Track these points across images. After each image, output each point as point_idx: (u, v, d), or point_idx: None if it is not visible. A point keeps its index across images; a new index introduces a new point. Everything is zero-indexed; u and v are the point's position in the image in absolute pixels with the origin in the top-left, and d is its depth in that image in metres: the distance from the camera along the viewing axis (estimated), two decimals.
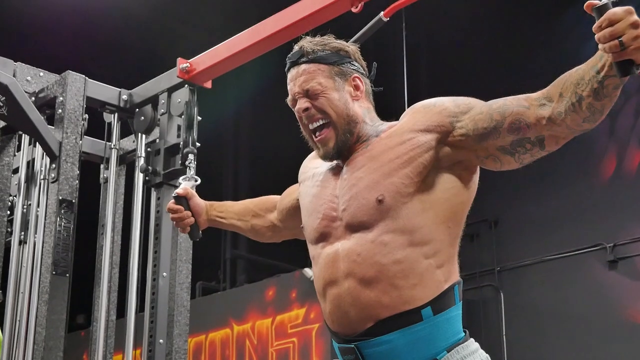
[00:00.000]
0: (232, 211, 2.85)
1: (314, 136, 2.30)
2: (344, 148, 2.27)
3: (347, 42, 2.42)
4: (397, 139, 2.20)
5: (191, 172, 3.13)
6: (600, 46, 1.82)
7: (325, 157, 2.31)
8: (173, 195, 2.83)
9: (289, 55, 2.34)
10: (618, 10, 1.77)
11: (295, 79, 2.30)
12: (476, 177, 2.24)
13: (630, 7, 1.78)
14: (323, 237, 2.26)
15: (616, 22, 1.77)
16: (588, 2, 1.83)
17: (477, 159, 2.19)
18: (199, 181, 2.96)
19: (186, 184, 2.88)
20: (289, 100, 2.35)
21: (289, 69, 2.34)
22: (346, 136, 2.27)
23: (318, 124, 2.28)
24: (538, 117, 2.03)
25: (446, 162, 2.18)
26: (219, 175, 9.93)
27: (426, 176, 2.16)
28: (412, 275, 2.11)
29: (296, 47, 2.34)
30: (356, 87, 2.32)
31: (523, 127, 2.06)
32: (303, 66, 2.29)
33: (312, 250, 2.32)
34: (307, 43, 2.31)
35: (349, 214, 2.20)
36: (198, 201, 2.83)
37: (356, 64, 2.35)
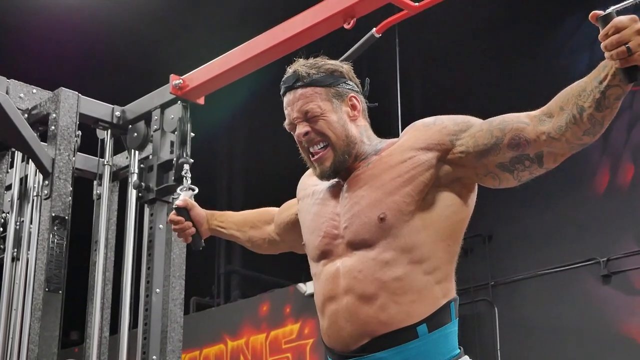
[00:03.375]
0: (232, 221, 2.88)
1: (311, 156, 2.31)
2: (341, 168, 2.28)
3: (339, 59, 2.43)
4: (397, 157, 2.21)
5: (188, 182, 3.14)
6: (606, 54, 1.85)
7: (322, 177, 2.31)
8: (173, 206, 2.88)
9: (283, 79, 2.33)
10: (624, 18, 1.82)
11: (293, 103, 2.30)
12: (474, 195, 2.26)
13: (635, 16, 1.83)
14: (324, 255, 2.27)
15: (622, 29, 1.81)
16: (593, 12, 1.88)
17: (476, 176, 2.20)
18: (197, 190, 2.99)
19: (185, 194, 2.91)
20: (286, 124, 2.34)
21: (284, 94, 2.33)
22: (344, 157, 2.28)
23: (318, 147, 2.28)
24: (538, 133, 2.05)
25: (446, 180, 2.19)
26: (212, 191, 9.94)
27: (426, 194, 2.18)
28: (411, 291, 2.13)
29: (289, 71, 2.33)
30: (353, 107, 2.32)
31: (523, 143, 2.08)
32: (299, 90, 2.29)
33: (314, 267, 2.33)
34: (300, 67, 2.30)
35: (351, 231, 2.21)
36: (199, 211, 2.88)
37: (351, 83, 2.35)
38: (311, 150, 2.30)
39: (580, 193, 7.72)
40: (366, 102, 2.40)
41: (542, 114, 2.07)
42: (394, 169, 2.20)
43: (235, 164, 10.66)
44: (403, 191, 2.16)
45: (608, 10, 1.85)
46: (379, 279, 2.13)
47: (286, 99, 2.32)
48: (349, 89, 2.33)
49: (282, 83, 2.34)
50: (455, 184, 2.20)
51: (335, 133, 2.27)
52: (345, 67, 2.37)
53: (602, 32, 1.85)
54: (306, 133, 2.28)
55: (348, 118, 2.30)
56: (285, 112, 2.33)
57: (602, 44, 1.85)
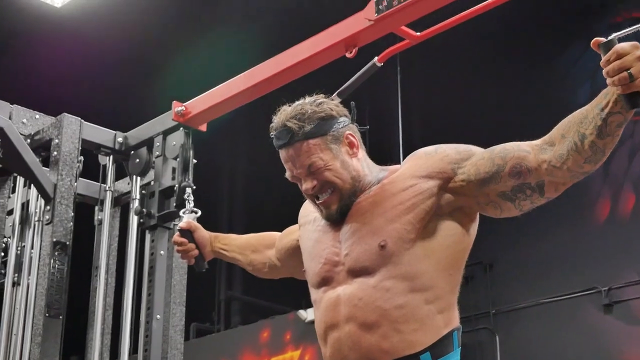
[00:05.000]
0: (235, 244, 2.89)
1: (316, 199, 2.31)
2: (347, 209, 2.28)
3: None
4: (399, 185, 2.22)
5: (190, 205, 3.16)
6: (608, 80, 1.87)
7: (329, 219, 2.31)
8: (177, 228, 2.90)
9: (275, 133, 2.30)
10: (625, 44, 1.84)
11: (293, 159, 2.28)
12: (476, 224, 2.27)
13: (637, 43, 1.85)
14: (325, 282, 2.28)
15: (624, 56, 1.83)
16: (595, 39, 1.89)
17: (477, 205, 2.21)
18: (199, 213, 3.00)
19: (188, 217, 2.93)
20: (288, 177, 2.33)
21: (279, 148, 2.31)
22: (350, 199, 2.28)
23: (327, 195, 2.28)
24: (539, 162, 2.06)
25: (447, 208, 2.20)
26: (213, 215, 9.94)
27: (428, 222, 2.19)
28: (413, 320, 2.13)
29: (278, 123, 2.29)
30: (351, 145, 2.31)
31: (524, 172, 2.09)
32: (296, 145, 2.26)
33: (314, 294, 2.33)
34: (291, 122, 2.26)
35: (352, 259, 2.22)
36: (203, 233, 2.89)
37: (342, 120, 2.32)
38: (319, 196, 2.30)
39: (582, 222, 7.72)
40: (358, 127, 2.38)
41: (544, 143, 2.08)
42: (396, 196, 2.21)
43: (236, 188, 10.68)
44: (404, 219, 2.17)
45: (610, 37, 1.87)
46: (380, 307, 2.14)
47: (284, 155, 2.30)
48: (342, 128, 2.30)
49: (275, 138, 2.30)
50: (456, 212, 2.21)
51: (342, 179, 2.27)
52: (332, 104, 2.33)
53: (604, 58, 1.87)
54: (314, 187, 2.28)
55: (348, 157, 2.30)
56: (285, 165, 2.32)
57: (604, 70, 1.87)
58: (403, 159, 2.39)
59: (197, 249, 2.87)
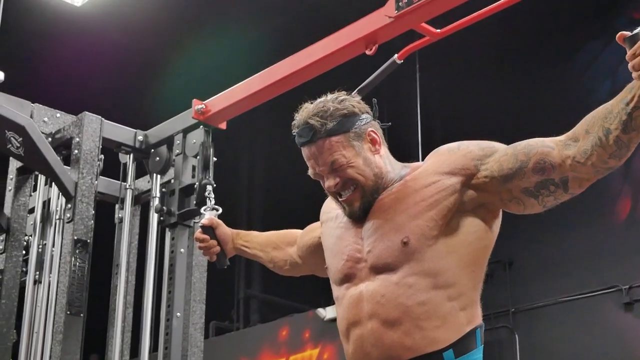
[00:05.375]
0: (256, 241, 2.89)
1: (339, 197, 2.30)
2: (370, 206, 2.27)
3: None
4: (422, 182, 2.22)
5: (211, 202, 3.17)
6: (634, 74, 1.86)
7: (351, 217, 2.30)
8: (199, 225, 2.91)
9: (297, 131, 2.29)
10: None
11: (316, 157, 2.27)
12: (498, 221, 2.26)
13: None
14: (347, 279, 2.27)
15: None
16: (620, 33, 1.88)
17: (500, 201, 2.20)
18: (220, 210, 3.01)
19: (209, 214, 2.94)
20: (311, 174, 2.33)
21: (301, 146, 2.30)
22: (373, 196, 2.27)
23: (349, 191, 2.27)
24: (563, 157, 2.05)
25: (470, 205, 2.20)
26: (232, 212, 9.96)
27: (450, 219, 2.18)
28: (436, 317, 2.13)
29: (300, 121, 2.28)
30: (373, 142, 2.30)
31: (548, 168, 2.08)
32: (319, 142, 2.25)
33: (336, 291, 2.33)
34: (313, 119, 2.25)
35: (374, 255, 2.21)
36: (225, 230, 2.89)
37: (364, 117, 2.31)
38: (341, 193, 2.29)
39: (602, 220, 7.68)
40: (379, 124, 2.38)
41: (568, 139, 2.07)
42: (418, 193, 2.20)
43: (255, 185, 10.69)
44: (427, 215, 2.17)
45: (635, 31, 1.86)
46: (403, 303, 2.14)
47: (306, 152, 2.29)
48: (364, 125, 2.29)
49: (297, 136, 2.29)
50: (479, 209, 2.20)
51: (365, 176, 2.26)
52: (354, 101, 2.32)
53: (629, 52, 1.86)
54: (336, 184, 2.27)
55: (371, 153, 2.29)
56: (308, 163, 2.31)
57: (629, 64, 1.86)
58: (422, 157, 2.39)
59: (219, 245, 2.87)
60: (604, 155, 1.98)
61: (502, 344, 8.12)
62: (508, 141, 2.23)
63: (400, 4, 3.07)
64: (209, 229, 2.87)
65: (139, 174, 4.24)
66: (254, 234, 2.92)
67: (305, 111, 2.29)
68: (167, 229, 4.00)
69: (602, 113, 1.98)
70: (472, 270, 2.19)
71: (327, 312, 8.21)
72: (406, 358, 2.12)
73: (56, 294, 3.81)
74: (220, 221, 2.91)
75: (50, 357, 3.72)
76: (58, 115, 4.23)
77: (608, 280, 7.49)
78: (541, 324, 7.99)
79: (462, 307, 2.16)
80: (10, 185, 4.17)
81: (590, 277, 7.64)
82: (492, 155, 2.19)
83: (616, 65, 7.34)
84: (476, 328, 2.18)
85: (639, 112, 1.90)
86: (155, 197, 4.05)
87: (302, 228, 2.78)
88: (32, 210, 4.18)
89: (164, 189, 4.04)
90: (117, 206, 4.17)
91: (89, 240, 3.85)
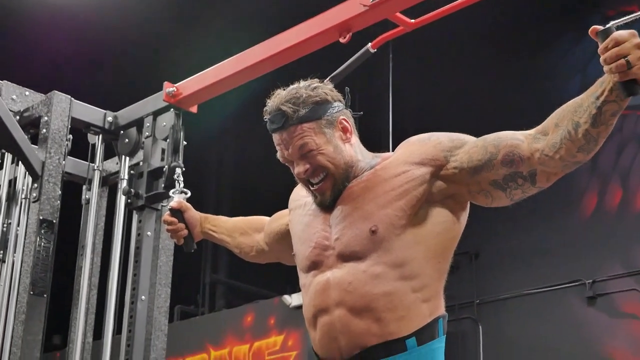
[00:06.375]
0: (224, 226, 2.89)
1: (310, 186, 2.30)
2: (340, 194, 2.28)
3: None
4: (391, 171, 2.22)
5: (180, 185, 3.16)
6: (605, 67, 1.87)
7: (322, 205, 2.30)
8: (168, 207, 2.90)
9: (269, 117, 2.28)
10: (623, 32, 1.85)
11: (286, 142, 2.26)
12: (466, 213, 2.27)
13: (634, 31, 1.85)
14: (314, 266, 2.28)
15: (622, 43, 1.84)
16: (592, 27, 1.90)
17: (469, 193, 2.21)
18: (189, 194, 3.00)
19: (178, 197, 2.93)
20: (280, 158, 2.32)
21: (273, 132, 2.29)
22: (344, 184, 2.27)
23: (319, 178, 2.27)
24: (532, 150, 2.06)
25: (439, 196, 2.20)
26: (200, 198, 9.94)
27: (419, 209, 2.19)
28: (400, 307, 2.14)
29: (272, 106, 2.28)
30: (344, 130, 2.30)
31: (517, 160, 2.09)
32: (290, 129, 2.25)
33: (303, 278, 2.33)
34: (285, 106, 2.25)
35: (342, 243, 2.22)
36: (193, 213, 2.89)
37: (336, 104, 2.31)
38: (311, 181, 2.29)
39: (568, 214, 7.75)
40: (351, 112, 2.38)
41: (537, 132, 2.08)
42: (388, 182, 2.21)
43: (224, 171, 10.67)
44: (395, 205, 2.17)
45: (608, 25, 1.87)
46: (369, 292, 2.14)
47: (277, 138, 2.29)
48: (336, 112, 2.29)
49: (269, 122, 2.29)
50: (448, 200, 2.21)
51: (334, 163, 2.26)
52: (327, 89, 2.32)
53: (601, 46, 1.87)
54: (306, 170, 2.27)
55: (342, 142, 2.29)
56: (278, 148, 2.31)
57: (601, 58, 1.87)
58: (393, 147, 2.39)
59: (187, 229, 2.87)
60: (572, 148, 2.00)
61: (466, 335, 8.18)
62: (478, 134, 2.24)
63: None
64: (177, 212, 2.86)
65: (108, 155, 4.21)
66: (222, 219, 2.92)
67: (278, 97, 2.29)
68: (134, 212, 3.98)
69: (572, 107, 1.99)
70: (438, 262, 2.20)
71: (292, 299, 8.22)
72: (371, 344, 2.13)
73: (20, 274, 3.78)
74: (189, 204, 2.91)
75: (12, 337, 3.69)
76: (27, 93, 4.19)
77: (572, 274, 7.56)
78: (505, 316, 8.05)
79: (426, 298, 2.17)
80: None
81: (554, 270, 7.70)
82: (462, 146, 2.19)
83: (587, 60, 7.39)
84: (439, 318, 2.19)
85: (609, 106, 1.91)
86: (124, 179, 4.02)
87: (270, 215, 2.78)
88: None
89: (132, 171, 4.02)
90: (84, 187, 4.14)
91: (54, 221, 3.82)
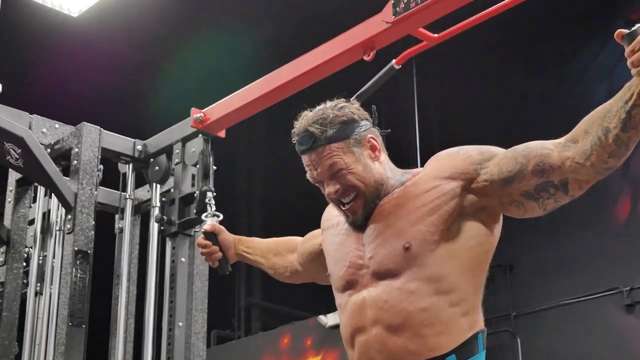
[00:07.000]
0: (258, 247, 2.90)
1: (342, 205, 2.30)
2: (371, 213, 2.28)
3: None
4: (422, 187, 2.22)
5: (212, 209, 3.18)
6: (633, 71, 1.86)
7: (354, 224, 2.31)
8: (202, 231, 2.92)
9: (297, 139, 2.30)
10: None
11: (316, 163, 2.28)
12: (499, 225, 2.26)
13: None
14: (350, 285, 2.28)
15: None
16: (618, 30, 1.88)
17: (500, 205, 2.20)
18: (222, 217, 3.01)
19: (210, 220, 2.94)
20: (310, 179, 2.33)
21: (301, 153, 2.31)
22: (375, 202, 2.27)
23: (350, 198, 2.28)
24: (563, 159, 2.05)
25: (471, 209, 2.20)
26: (231, 220, 9.94)
27: (451, 224, 2.19)
28: (438, 323, 2.13)
29: (300, 128, 2.29)
30: (373, 148, 2.31)
31: (547, 170, 2.08)
32: (319, 149, 2.26)
33: (339, 298, 2.33)
34: (313, 127, 2.26)
35: (376, 261, 2.22)
36: (227, 236, 2.91)
37: (364, 123, 2.32)
38: (342, 200, 2.29)
39: (602, 222, 7.68)
40: (378, 130, 2.39)
41: (567, 140, 2.07)
42: (419, 198, 2.21)
43: (254, 191, 10.68)
44: (427, 220, 2.17)
45: (634, 28, 1.86)
46: (406, 309, 2.14)
47: (306, 159, 2.30)
48: (364, 131, 2.30)
49: (297, 144, 2.30)
50: (480, 213, 2.21)
51: (364, 182, 2.26)
52: (354, 108, 2.33)
53: (628, 49, 1.86)
54: (337, 191, 2.28)
55: (371, 160, 2.29)
56: (307, 169, 2.32)
57: (628, 61, 1.85)
58: (420, 163, 2.39)
59: (221, 251, 2.88)
60: (603, 154, 1.98)
61: (504, 348, 8.11)
62: (506, 145, 2.23)
63: (397, 9, 3.08)
64: (211, 235, 2.88)
65: (139, 183, 4.24)
66: (256, 240, 2.93)
67: (305, 119, 2.30)
68: (167, 239, 4.00)
69: (601, 112, 1.98)
70: (473, 275, 2.19)
71: (328, 319, 8.21)
72: None
73: (57, 306, 3.80)
74: (222, 227, 2.92)
75: None
76: (57, 126, 4.23)
77: (609, 282, 7.48)
78: (542, 327, 7.99)
79: (464, 312, 2.16)
80: (10, 197, 4.17)
81: (591, 279, 7.63)
82: (492, 159, 2.19)
83: (613, 66, 7.35)
84: (478, 333, 2.18)
85: (638, 109, 1.90)
86: (155, 206, 4.04)
87: (302, 235, 2.79)
88: (32, 222, 4.18)
89: (163, 198, 4.04)
90: (117, 216, 4.17)
91: (89, 251, 3.84)
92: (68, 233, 3.87)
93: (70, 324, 3.71)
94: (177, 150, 3.98)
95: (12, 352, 3.93)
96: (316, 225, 2.60)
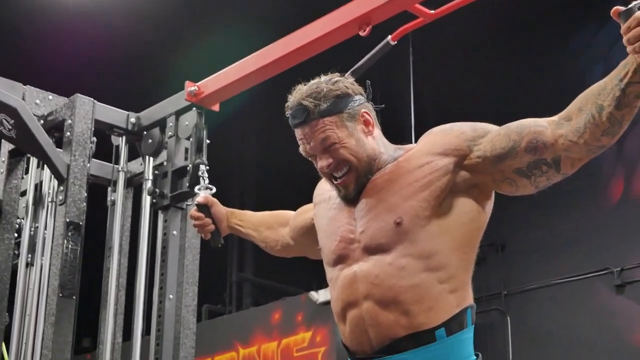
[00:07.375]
0: (250, 221, 2.92)
1: (334, 179, 2.31)
2: (363, 187, 2.28)
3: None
4: (415, 163, 2.23)
5: (205, 182, 3.18)
6: (629, 48, 1.86)
7: (346, 198, 2.31)
8: (195, 203, 2.93)
9: (291, 112, 2.30)
10: None
11: (308, 137, 2.28)
12: (491, 203, 2.27)
13: None
14: (341, 259, 2.29)
15: None
16: (614, 8, 1.88)
17: (493, 182, 2.21)
18: (214, 190, 3.03)
19: (204, 193, 2.94)
20: (302, 152, 2.33)
21: (294, 127, 2.31)
22: (367, 177, 2.28)
23: (342, 172, 2.28)
24: (556, 136, 2.06)
25: (463, 186, 2.20)
26: (224, 192, 9.93)
27: (443, 200, 2.19)
28: (427, 298, 2.15)
29: (294, 102, 2.29)
30: (366, 123, 2.31)
31: (540, 147, 2.09)
32: (312, 123, 2.27)
33: (330, 272, 2.34)
34: (307, 100, 2.26)
35: (367, 236, 2.22)
36: (219, 208, 2.92)
37: (357, 98, 2.32)
38: (335, 175, 2.30)
39: (595, 202, 7.70)
40: (373, 105, 2.39)
41: (561, 118, 2.08)
42: (411, 173, 2.21)
43: (247, 162, 10.67)
44: (420, 196, 2.18)
45: (630, 5, 1.86)
46: (396, 284, 2.15)
47: (299, 133, 2.31)
48: (358, 105, 2.30)
49: (290, 117, 2.31)
50: (472, 190, 2.21)
51: (357, 157, 2.27)
52: (348, 83, 2.33)
53: (624, 26, 1.85)
54: (329, 165, 2.28)
55: (364, 135, 2.30)
56: (300, 142, 2.32)
57: (624, 38, 1.85)
58: (415, 139, 2.40)
59: (214, 223, 2.88)
60: (596, 132, 1.99)
61: (494, 327, 8.16)
62: (500, 123, 2.23)
63: None
64: (204, 207, 2.88)
65: (132, 156, 4.22)
66: (249, 213, 2.94)
67: (299, 92, 2.30)
68: (159, 212, 3.99)
69: (596, 90, 1.98)
70: (464, 252, 2.20)
71: (319, 295, 8.23)
72: (400, 335, 2.14)
73: (48, 277, 3.80)
74: (215, 199, 2.93)
75: (42, 339, 3.72)
76: (50, 97, 4.21)
77: (600, 263, 7.51)
78: (533, 307, 8.02)
79: (452, 289, 2.18)
80: (2, 167, 4.15)
81: (582, 259, 7.66)
82: (485, 136, 2.19)
83: (608, 49, 7.34)
84: (467, 308, 2.20)
85: (633, 87, 1.90)
86: (148, 179, 4.04)
87: (295, 209, 2.79)
88: (24, 193, 4.17)
89: (156, 172, 4.03)
90: (109, 189, 4.16)
91: (81, 223, 3.84)
92: (60, 204, 3.86)
93: (60, 295, 3.71)
94: (171, 124, 3.97)
95: (3, 323, 3.93)
96: (309, 199, 2.61)
